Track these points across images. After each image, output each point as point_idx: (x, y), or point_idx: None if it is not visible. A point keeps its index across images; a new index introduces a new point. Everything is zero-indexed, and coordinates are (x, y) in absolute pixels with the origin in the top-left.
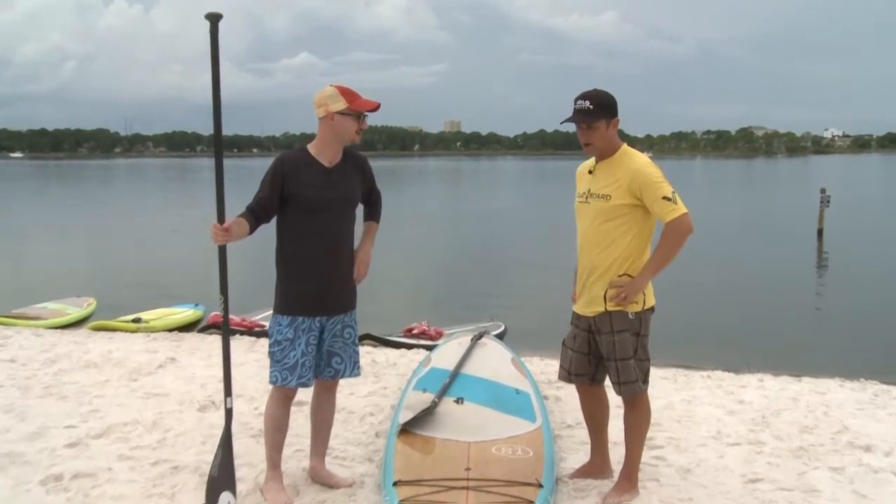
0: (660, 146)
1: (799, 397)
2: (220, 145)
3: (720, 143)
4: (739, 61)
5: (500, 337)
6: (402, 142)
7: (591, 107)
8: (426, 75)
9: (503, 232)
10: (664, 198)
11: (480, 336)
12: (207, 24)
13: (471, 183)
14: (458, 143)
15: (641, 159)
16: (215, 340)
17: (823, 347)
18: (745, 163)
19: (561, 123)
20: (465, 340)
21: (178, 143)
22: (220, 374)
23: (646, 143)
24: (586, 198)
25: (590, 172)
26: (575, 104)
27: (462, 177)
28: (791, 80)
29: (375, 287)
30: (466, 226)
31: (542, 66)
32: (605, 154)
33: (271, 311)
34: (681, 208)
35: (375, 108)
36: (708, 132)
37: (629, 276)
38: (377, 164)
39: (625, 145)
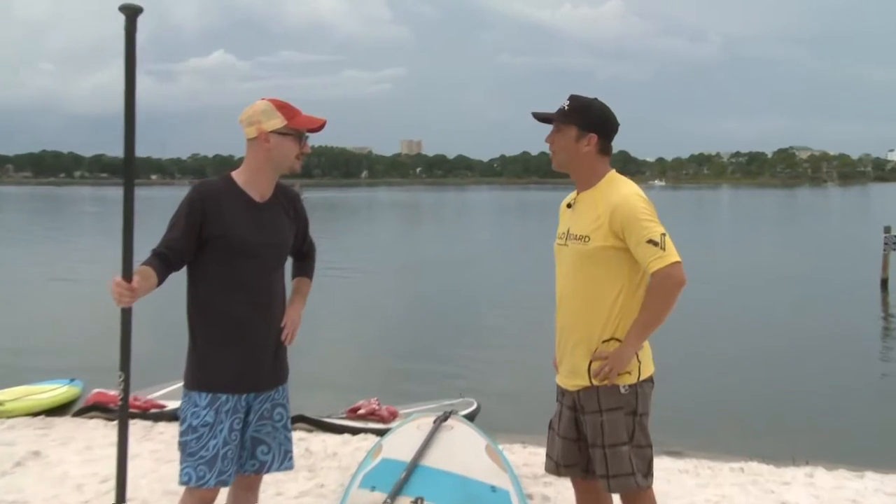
0: (675, 172)
1: (861, 498)
2: (132, 173)
3: (753, 169)
4: (777, 64)
5: (470, 418)
6: (347, 167)
7: (567, 107)
8: (377, 82)
9: (474, 283)
10: (650, 241)
11: (446, 417)
12: (122, 18)
13: (433, 220)
14: (417, 169)
15: (626, 189)
16: (98, 426)
17: (893, 432)
18: (786, 193)
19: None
20: (427, 423)
21: (48, 167)
22: (102, 470)
23: (657, 169)
24: (565, 239)
25: (569, 207)
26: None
27: (422, 212)
28: (844, 88)
29: (310, 354)
30: (428, 275)
31: (527, 71)
32: (584, 180)
33: (178, 387)
34: (670, 255)
35: (320, 126)
36: (737, 154)
37: (617, 340)
38: (314, 197)
39: (612, 172)
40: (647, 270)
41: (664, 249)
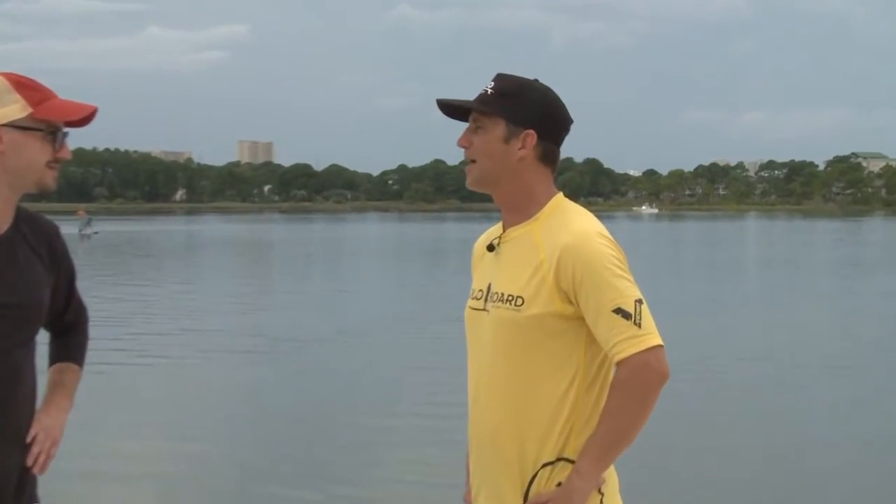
0: (674, 192)
1: None
2: None
3: (795, 188)
4: (832, 23)
5: None
6: (152, 184)
7: (490, 91)
8: (202, 48)
9: (353, 373)
10: (619, 311)
11: None
12: None
13: (290, 270)
14: (266, 188)
15: (582, 224)
16: None
17: None
18: (850, 226)
19: (444, 113)
20: None
21: None
22: None
23: (646, 187)
24: (484, 301)
25: (490, 250)
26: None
27: (274, 256)
28: None
29: (87, 490)
30: (280, 355)
31: (440, 32)
32: (515, 205)
33: None
34: (648, 335)
35: (87, 118)
36: (770, 165)
37: (567, 461)
38: (97, 229)
39: (559, 196)
40: (610, 357)
41: (640, 326)
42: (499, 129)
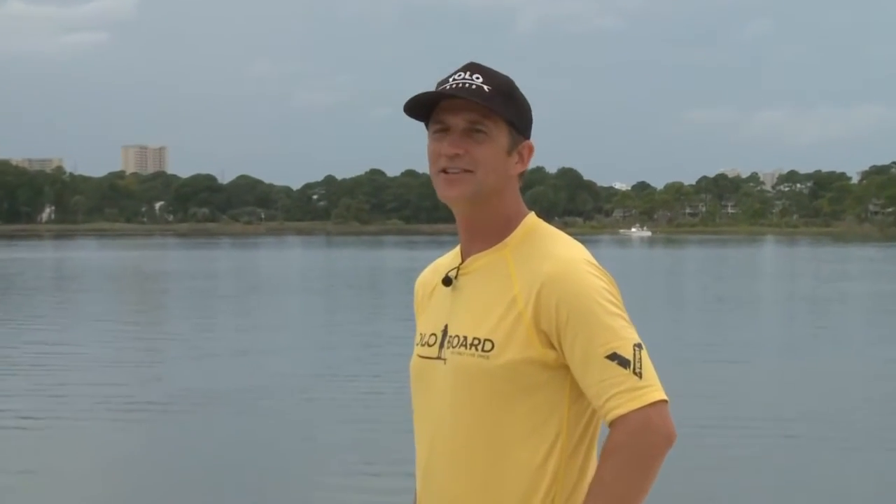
0: (670, 210)
1: None
2: None
3: (822, 205)
4: None
5: None
6: (11, 200)
7: (487, 88)
8: (76, 27)
9: (268, 429)
10: (613, 357)
11: None
12: None
13: (190, 303)
14: (157, 204)
15: (563, 250)
16: None
17: None
18: (889, 252)
19: (407, 106)
20: None
21: None
22: None
23: (636, 204)
24: (438, 347)
25: (446, 283)
26: (448, 81)
27: (170, 285)
28: None
29: None
30: (176, 415)
31: (376, 13)
32: (490, 227)
33: None
34: (649, 389)
35: None
36: (790, 177)
37: None
38: None
39: (530, 216)
40: (601, 413)
41: (640, 375)
42: (503, 136)
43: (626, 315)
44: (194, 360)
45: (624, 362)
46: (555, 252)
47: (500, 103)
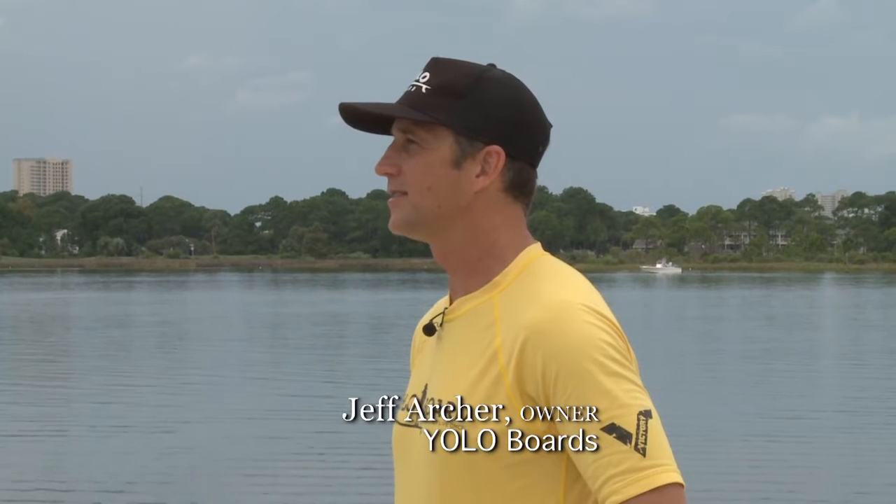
0: (706, 241)
1: None
2: None
3: (893, 235)
4: None
5: None
6: None
7: (427, 89)
8: None
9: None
10: (610, 429)
11: None
12: None
13: (103, 360)
14: (59, 233)
15: (559, 292)
16: None
17: None
18: None
19: (340, 109)
20: None
21: None
22: None
23: (666, 234)
24: (416, 415)
25: (428, 332)
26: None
27: (75, 337)
28: None
29: None
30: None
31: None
32: (465, 263)
33: None
34: (658, 470)
35: None
36: (857, 200)
37: None
38: None
39: (532, 248)
40: (598, 499)
41: (643, 452)
42: (444, 145)
43: (633, 374)
44: (99, 439)
45: (624, 436)
46: (545, 294)
47: (436, 105)
